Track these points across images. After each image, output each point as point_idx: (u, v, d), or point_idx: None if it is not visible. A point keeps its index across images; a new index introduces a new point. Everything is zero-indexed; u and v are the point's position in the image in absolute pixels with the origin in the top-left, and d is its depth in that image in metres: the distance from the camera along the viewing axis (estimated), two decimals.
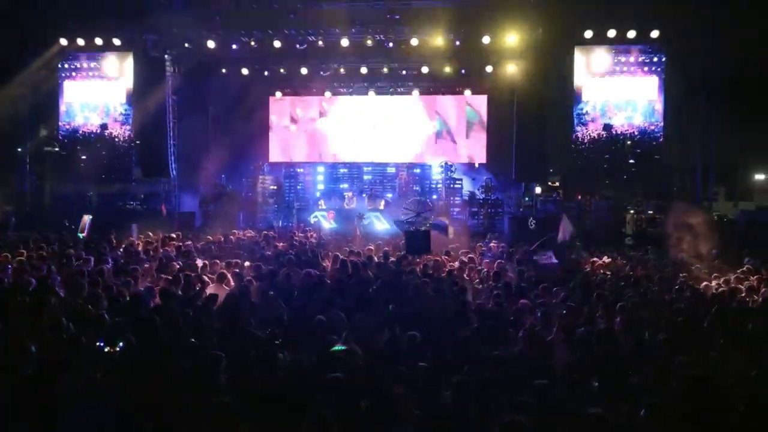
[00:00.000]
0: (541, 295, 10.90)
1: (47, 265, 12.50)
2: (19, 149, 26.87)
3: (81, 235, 17.11)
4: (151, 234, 18.81)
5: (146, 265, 13.34)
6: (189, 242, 16.93)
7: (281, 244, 17.78)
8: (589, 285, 11.89)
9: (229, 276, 11.60)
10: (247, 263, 13.60)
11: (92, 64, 25.85)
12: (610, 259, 15.94)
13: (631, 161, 23.39)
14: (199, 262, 13.10)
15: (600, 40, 22.79)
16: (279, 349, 7.14)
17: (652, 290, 11.46)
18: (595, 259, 15.77)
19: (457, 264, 14.62)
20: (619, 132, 23.70)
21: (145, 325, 7.18)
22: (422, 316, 8.96)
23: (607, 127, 23.59)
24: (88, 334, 7.29)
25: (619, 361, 7.02)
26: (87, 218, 17.54)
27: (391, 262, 14.36)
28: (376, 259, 14.79)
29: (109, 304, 8.87)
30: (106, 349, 6.67)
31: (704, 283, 13.22)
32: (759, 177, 31.19)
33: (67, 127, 26.16)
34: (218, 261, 13.50)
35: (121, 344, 6.69)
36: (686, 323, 8.60)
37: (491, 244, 17.86)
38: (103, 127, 25.78)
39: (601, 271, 14.70)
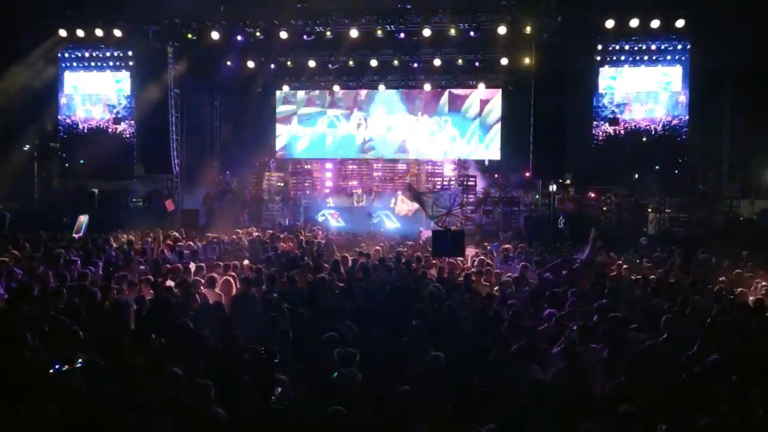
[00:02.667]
0: (571, 303, 9.81)
1: (31, 267, 11.55)
2: (27, 146, 25.92)
3: (76, 236, 16.09)
4: (151, 233, 17.94)
5: (142, 267, 12.38)
6: (186, 243, 15.95)
7: (287, 244, 16.78)
8: (621, 292, 10.81)
9: (229, 280, 10.59)
10: (246, 262, 12.60)
11: (94, 54, 24.93)
12: (638, 261, 14.82)
13: (654, 157, 22.30)
14: (193, 266, 12.03)
15: (622, 30, 21.58)
16: (279, 371, 6.09)
17: (695, 299, 10.25)
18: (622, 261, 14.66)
19: (472, 266, 13.64)
20: (640, 126, 22.61)
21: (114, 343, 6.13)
22: (443, 329, 7.91)
23: (613, 122, 22.48)
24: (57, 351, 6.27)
25: (681, 392, 5.91)
26: (83, 218, 16.52)
27: (402, 264, 13.34)
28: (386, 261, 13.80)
29: (87, 315, 7.87)
30: (65, 368, 5.55)
31: (742, 289, 12.17)
32: None
33: (68, 121, 25.29)
34: (218, 263, 12.46)
35: (80, 362, 5.57)
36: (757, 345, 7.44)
37: (508, 246, 16.75)
38: (106, 121, 25.00)
39: (625, 273, 13.66)
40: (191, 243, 15.93)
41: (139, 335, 6.62)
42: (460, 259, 14.29)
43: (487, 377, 6.38)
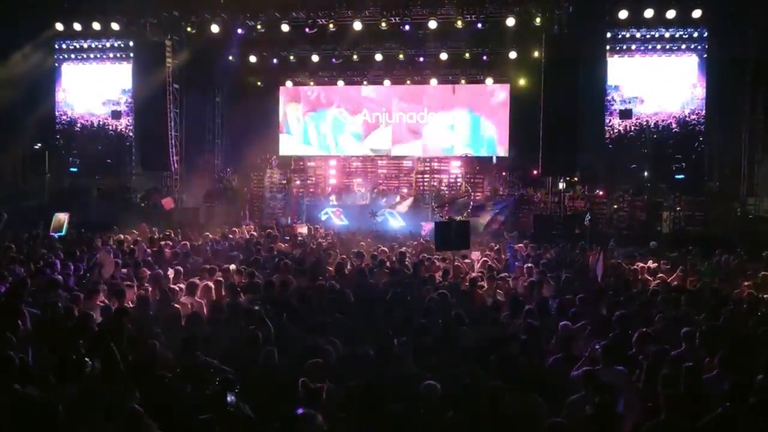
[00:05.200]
0: (583, 312, 8.59)
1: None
2: (38, 144, 24.80)
3: (57, 235, 15.05)
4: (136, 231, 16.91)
5: (124, 271, 11.29)
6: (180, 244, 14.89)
7: (284, 244, 15.68)
8: (643, 301, 9.61)
9: (210, 286, 9.44)
10: (233, 266, 11.44)
11: (93, 45, 24.09)
12: (655, 264, 13.60)
13: (668, 154, 21.13)
14: (171, 272, 10.81)
15: (635, 20, 20.40)
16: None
17: (731, 310, 8.99)
18: (640, 264, 13.42)
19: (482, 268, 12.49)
20: (652, 121, 21.44)
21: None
22: (443, 348, 6.75)
23: (625, 114, 21.30)
24: None
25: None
26: (63, 216, 15.48)
27: (406, 267, 12.19)
28: (388, 263, 12.65)
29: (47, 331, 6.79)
30: None
31: None
32: None
33: (65, 117, 24.41)
34: (205, 266, 11.28)
35: None
36: None
37: (519, 246, 15.59)
38: (105, 116, 24.13)
39: (646, 277, 12.47)
40: (182, 243, 14.85)
41: (80, 359, 5.45)
42: (467, 260, 13.16)
43: (496, 413, 5.23)
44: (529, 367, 6.24)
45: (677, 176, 20.77)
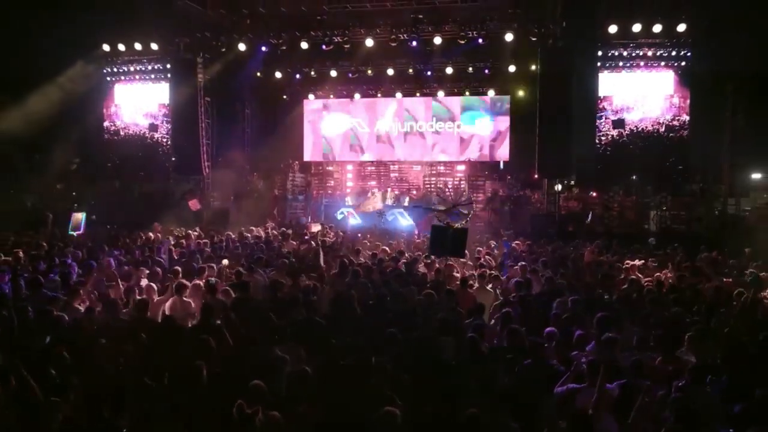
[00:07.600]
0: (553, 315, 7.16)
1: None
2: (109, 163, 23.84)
3: (74, 233, 13.98)
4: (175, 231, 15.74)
5: (126, 268, 10.09)
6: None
7: (295, 242, 14.40)
8: (630, 301, 8.17)
9: (200, 286, 8.17)
10: (225, 261, 10.16)
11: (139, 68, 23.32)
12: (643, 261, 12.07)
13: (654, 159, 19.57)
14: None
15: (625, 34, 18.84)
16: None
17: (720, 311, 7.53)
18: (628, 262, 11.89)
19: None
20: (640, 128, 19.92)
21: None
22: (420, 360, 5.37)
23: (619, 123, 19.84)
24: None
25: None
26: (80, 215, 14.42)
27: (401, 265, 10.81)
28: (387, 260, 11.32)
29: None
30: None
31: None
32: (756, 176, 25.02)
33: (113, 128, 23.70)
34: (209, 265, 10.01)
35: None
36: None
37: (513, 244, 14.13)
38: (147, 128, 23.33)
39: (637, 276, 10.94)
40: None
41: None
42: (463, 260, 11.68)
43: None
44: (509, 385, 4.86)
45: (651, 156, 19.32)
